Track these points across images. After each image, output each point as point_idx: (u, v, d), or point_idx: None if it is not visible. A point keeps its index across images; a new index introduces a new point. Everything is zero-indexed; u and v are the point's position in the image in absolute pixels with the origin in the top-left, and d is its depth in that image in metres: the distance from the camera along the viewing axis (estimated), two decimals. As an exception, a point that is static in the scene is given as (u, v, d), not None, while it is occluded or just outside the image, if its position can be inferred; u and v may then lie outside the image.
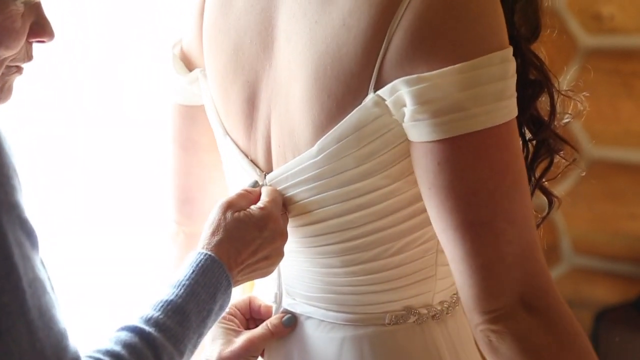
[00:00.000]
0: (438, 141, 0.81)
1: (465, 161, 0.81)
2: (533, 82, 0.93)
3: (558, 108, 0.98)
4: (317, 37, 0.86)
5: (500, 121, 0.81)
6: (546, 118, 0.96)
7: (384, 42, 0.82)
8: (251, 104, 0.95)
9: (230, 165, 1.02)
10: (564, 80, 2.54)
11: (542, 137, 0.96)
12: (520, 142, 0.86)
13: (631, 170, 2.58)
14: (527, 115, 0.94)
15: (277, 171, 0.94)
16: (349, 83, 0.84)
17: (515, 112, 0.84)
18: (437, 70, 0.80)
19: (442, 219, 0.83)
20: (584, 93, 1.05)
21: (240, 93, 0.95)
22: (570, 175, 2.59)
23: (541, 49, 0.98)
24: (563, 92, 0.99)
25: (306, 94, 0.88)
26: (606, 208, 2.60)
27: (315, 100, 0.87)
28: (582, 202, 2.58)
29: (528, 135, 0.97)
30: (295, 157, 0.91)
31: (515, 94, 0.84)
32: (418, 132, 0.82)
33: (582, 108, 1.03)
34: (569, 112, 1.02)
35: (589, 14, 2.59)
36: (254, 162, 0.97)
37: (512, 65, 0.83)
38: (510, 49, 0.83)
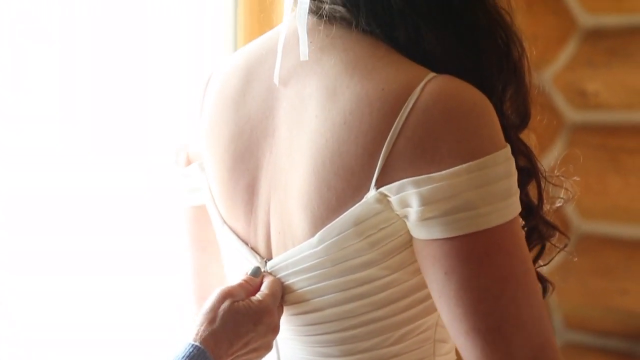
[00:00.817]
0: (445, 240, 0.82)
1: (471, 268, 0.82)
2: (522, 169, 0.95)
3: (551, 191, 0.99)
4: (318, 131, 0.87)
5: (509, 218, 0.83)
6: (535, 204, 0.97)
7: (386, 145, 0.84)
8: (251, 190, 0.96)
9: (229, 253, 1.02)
10: (552, 155, 2.55)
11: (532, 223, 0.97)
12: (523, 239, 0.87)
13: (621, 245, 2.58)
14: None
15: (277, 259, 0.94)
16: (348, 179, 0.86)
17: (519, 208, 0.85)
18: (446, 170, 0.82)
19: (453, 325, 0.84)
20: (575, 178, 1.06)
21: (239, 180, 0.96)
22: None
23: (530, 134, 0.99)
24: (551, 182, 1.01)
25: (305, 185, 0.89)
26: (597, 283, 2.59)
27: (315, 192, 0.88)
28: (573, 277, 2.57)
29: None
30: (295, 246, 0.91)
31: (518, 190, 0.86)
32: (428, 230, 0.83)
33: (571, 194, 1.05)
34: (561, 195, 1.03)
35: (574, 91, 2.63)
36: (254, 249, 0.97)
37: (513, 162, 0.85)
38: (509, 147, 0.85)
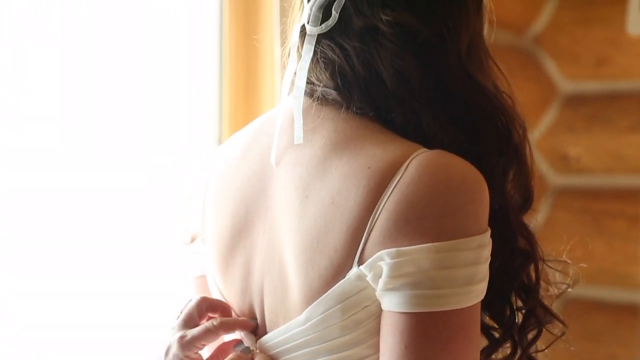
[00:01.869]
0: (406, 314, 0.82)
1: (432, 348, 0.82)
2: (522, 251, 0.95)
3: (558, 276, 1.00)
4: (307, 211, 0.88)
5: (468, 304, 0.83)
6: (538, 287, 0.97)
7: (369, 221, 0.84)
8: (247, 268, 0.96)
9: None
10: (536, 218, 2.55)
11: (530, 306, 0.97)
12: (479, 327, 0.86)
13: (606, 310, 2.58)
14: (517, 284, 0.95)
15: (269, 336, 0.94)
16: (332, 257, 0.86)
17: (481, 296, 0.85)
18: (416, 246, 0.81)
19: None
20: (582, 264, 1.06)
21: (237, 258, 0.97)
22: (546, 315, 2.57)
23: (534, 215, 0.99)
24: (555, 267, 1.01)
25: (294, 265, 0.89)
26: (584, 348, 2.57)
27: (301, 272, 0.88)
28: (560, 342, 2.55)
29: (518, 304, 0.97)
30: (286, 323, 0.91)
31: (486, 278, 0.85)
32: (389, 301, 0.83)
33: (576, 279, 1.05)
34: (567, 281, 1.03)
35: (556, 155, 2.66)
36: None
37: (488, 250, 0.84)
38: (488, 233, 0.85)
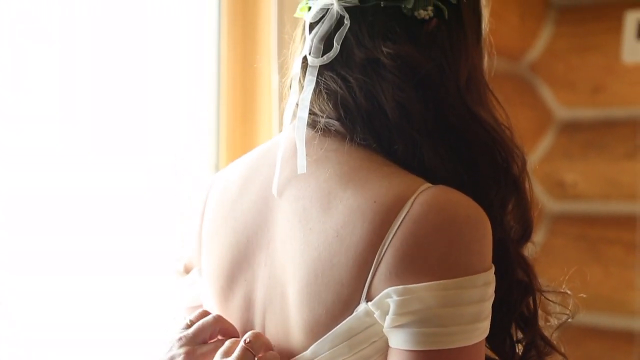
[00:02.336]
0: (413, 352, 0.82)
1: None
2: (520, 283, 0.95)
3: (557, 307, 1.00)
4: (311, 243, 0.87)
5: (474, 342, 0.83)
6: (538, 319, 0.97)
7: (376, 257, 0.83)
8: (248, 301, 0.96)
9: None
10: (533, 246, 2.54)
11: (530, 337, 0.97)
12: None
13: (603, 336, 2.57)
14: (517, 315, 0.95)
15: None
16: (339, 292, 0.85)
17: (486, 332, 0.85)
18: (423, 284, 0.81)
19: None
20: (582, 294, 1.06)
21: (237, 291, 0.97)
22: (543, 341, 2.57)
23: (531, 246, 0.99)
24: (549, 298, 1.00)
25: (298, 298, 0.88)
26: (581, 374, 2.57)
27: (306, 306, 0.87)
28: (557, 368, 2.55)
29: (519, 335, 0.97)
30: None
31: (490, 315, 0.85)
32: (396, 338, 0.83)
33: (570, 313, 1.04)
34: (567, 312, 1.03)
35: (553, 181, 2.67)
36: None
37: (492, 287, 0.84)
38: (492, 270, 0.84)
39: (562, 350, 1.00)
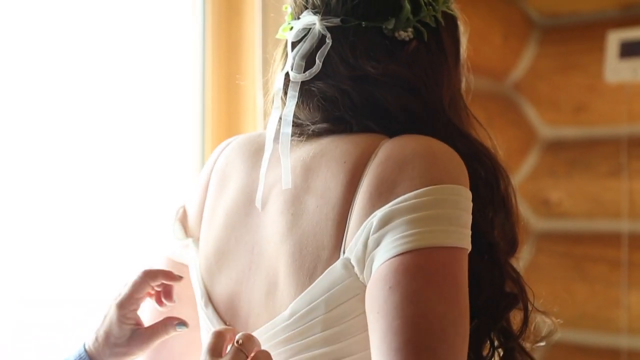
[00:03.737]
0: (388, 261, 0.82)
1: (417, 282, 0.81)
2: (508, 294, 0.96)
3: (541, 325, 1.01)
4: (295, 227, 0.90)
5: (459, 244, 0.83)
6: (516, 329, 0.98)
7: (350, 210, 0.87)
8: (234, 281, 0.98)
9: (208, 328, 1.02)
10: (519, 263, 2.54)
11: (509, 347, 0.98)
12: (466, 279, 0.86)
13: (589, 353, 2.58)
14: (499, 326, 0.96)
15: (255, 333, 0.94)
16: (320, 255, 0.88)
17: (468, 244, 0.85)
18: (400, 197, 0.84)
19: (386, 341, 0.80)
20: (559, 320, 1.07)
21: (224, 272, 0.99)
22: (530, 359, 2.57)
23: (517, 262, 1.00)
24: (539, 309, 1.01)
25: (285, 274, 0.91)
26: (568, 392, 2.57)
27: (292, 278, 0.90)
28: (544, 386, 2.55)
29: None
30: (271, 320, 0.92)
31: (469, 227, 0.86)
32: (382, 252, 0.83)
33: (552, 328, 1.05)
34: (543, 335, 1.04)
35: (538, 200, 2.69)
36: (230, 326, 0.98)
37: (468, 202, 0.86)
38: (467, 188, 0.87)
39: None
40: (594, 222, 2.62)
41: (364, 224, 0.85)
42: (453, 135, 0.95)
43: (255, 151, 1.02)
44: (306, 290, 0.88)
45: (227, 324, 0.98)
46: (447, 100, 0.97)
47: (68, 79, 1.55)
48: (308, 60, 0.95)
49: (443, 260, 0.82)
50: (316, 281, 0.87)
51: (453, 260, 0.83)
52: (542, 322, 1.04)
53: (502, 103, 2.67)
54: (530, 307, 0.98)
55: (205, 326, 1.02)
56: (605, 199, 2.59)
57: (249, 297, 0.96)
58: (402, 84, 0.93)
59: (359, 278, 0.86)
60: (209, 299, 1.01)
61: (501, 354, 0.98)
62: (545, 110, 2.70)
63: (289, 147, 0.93)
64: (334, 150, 0.91)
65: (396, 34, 0.95)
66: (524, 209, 2.68)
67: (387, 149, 0.87)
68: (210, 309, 1.00)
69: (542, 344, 1.04)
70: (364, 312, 0.86)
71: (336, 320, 0.87)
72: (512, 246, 0.99)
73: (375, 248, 0.84)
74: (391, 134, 0.91)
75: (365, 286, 0.86)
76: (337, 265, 0.86)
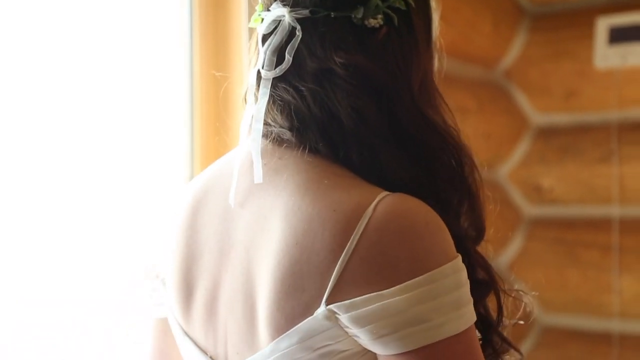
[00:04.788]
0: (406, 353, 0.82)
1: None
2: (480, 282, 0.97)
3: (525, 305, 1.02)
4: (272, 251, 0.88)
5: (462, 328, 0.84)
6: (494, 318, 0.99)
7: (338, 265, 0.84)
8: (209, 308, 0.97)
9: None
10: (511, 249, 2.58)
11: (488, 337, 0.98)
12: (479, 350, 0.87)
13: (583, 338, 2.60)
14: (476, 315, 0.97)
15: None
16: (299, 297, 0.86)
17: (473, 318, 0.85)
18: (396, 287, 0.82)
19: None
20: (534, 293, 1.07)
21: (199, 298, 0.98)
22: (524, 344, 2.59)
23: (488, 246, 1.02)
24: (510, 294, 1.02)
25: (258, 305, 0.90)
26: (561, 376, 2.59)
27: (268, 313, 0.88)
28: (537, 371, 2.57)
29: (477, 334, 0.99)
30: (252, 356, 0.92)
31: (471, 300, 0.86)
32: (384, 347, 0.84)
33: (530, 309, 1.06)
34: (518, 314, 1.05)
35: (530, 186, 2.70)
36: (213, 359, 0.98)
37: (464, 273, 0.86)
38: (459, 258, 0.86)
39: (517, 347, 1.01)
40: (586, 208, 2.63)
41: (364, 298, 0.83)
42: (420, 125, 0.94)
43: (215, 171, 1.01)
44: (286, 333, 0.87)
45: (209, 355, 0.98)
46: (417, 84, 0.96)
47: (52, 76, 1.54)
48: (279, 55, 0.94)
49: (454, 349, 0.83)
50: (296, 327, 0.86)
51: (463, 343, 0.84)
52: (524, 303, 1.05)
53: (492, 90, 2.68)
54: (503, 297, 0.99)
55: (186, 354, 1.02)
56: (596, 184, 2.60)
57: (224, 323, 0.96)
58: (366, 78, 0.92)
59: (342, 327, 0.85)
60: (185, 331, 1.01)
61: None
62: (536, 97, 2.71)
63: (259, 143, 0.92)
64: (321, 190, 0.88)
65: (366, 22, 0.93)
66: (516, 196, 2.70)
67: (385, 215, 0.85)
68: (187, 339, 1.00)
69: (521, 322, 1.05)
70: (348, 350, 0.86)
71: (320, 359, 0.87)
72: (479, 233, 0.99)
73: (384, 335, 0.83)
74: (344, 158, 0.91)
75: (348, 334, 0.86)
76: (319, 315, 0.85)
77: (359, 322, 0.83)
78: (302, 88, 0.92)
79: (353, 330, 0.84)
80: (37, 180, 1.51)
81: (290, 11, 0.94)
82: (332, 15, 0.93)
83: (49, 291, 1.51)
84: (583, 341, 2.59)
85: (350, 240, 0.84)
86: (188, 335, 1.00)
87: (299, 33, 0.93)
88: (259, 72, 0.95)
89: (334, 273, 0.84)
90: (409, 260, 0.83)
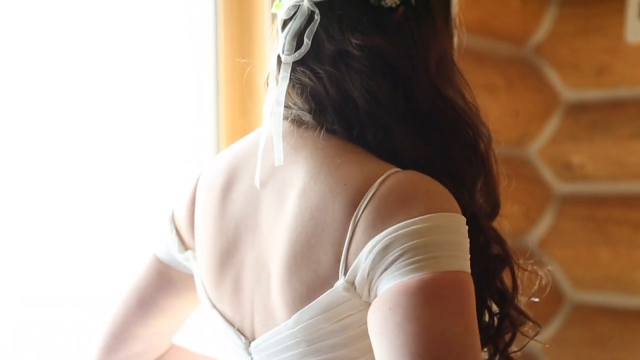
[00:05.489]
0: (395, 286, 0.84)
1: (416, 301, 0.82)
2: (495, 256, 0.98)
3: (526, 282, 1.02)
4: (291, 226, 0.92)
5: (459, 267, 0.85)
6: (510, 291, 1.00)
7: (347, 235, 0.88)
8: (236, 283, 1.00)
9: (218, 333, 1.06)
10: (542, 227, 2.57)
11: (505, 311, 1.00)
12: (475, 308, 0.87)
13: (614, 315, 2.59)
14: (493, 289, 0.99)
15: (259, 339, 0.98)
16: (317, 270, 0.89)
17: (468, 267, 0.87)
18: (402, 222, 0.85)
19: (392, 356, 0.82)
20: (548, 267, 1.08)
21: (227, 273, 1.01)
22: (554, 321, 2.59)
23: (504, 221, 1.03)
24: (525, 267, 1.03)
25: (280, 278, 0.93)
26: (592, 353, 2.59)
27: (288, 285, 0.92)
28: (568, 348, 2.57)
29: (494, 308, 1.01)
30: (276, 327, 0.95)
31: (468, 253, 0.87)
32: (386, 281, 0.85)
33: (545, 282, 1.07)
34: (534, 288, 1.06)
35: (560, 164, 2.69)
36: (239, 331, 1.02)
37: (466, 229, 0.88)
38: (463, 218, 0.88)
39: (534, 319, 1.02)
40: (617, 185, 2.62)
41: (367, 250, 0.86)
42: (436, 103, 0.95)
43: (242, 150, 1.04)
44: (308, 306, 0.90)
45: (236, 327, 1.01)
46: (435, 62, 0.97)
47: (85, 63, 1.56)
48: (299, 39, 0.96)
49: (446, 281, 0.84)
50: (317, 300, 0.90)
51: (456, 281, 0.84)
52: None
53: (521, 67, 2.66)
54: (517, 271, 1.00)
55: (213, 325, 1.06)
56: (628, 161, 2.58)
57: (251, 298, 0.99)
58: (381, 59, 0.94)
59: (361, 298, 0.88)
60: (213, 304, 1.04)
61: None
62: (567, 73, 2.69)
63: (280, 126, 0.95)
64: (334, 165, 0.92)
65: (382, 3, 0.94)
66: (547, 173, 2.69)
67: (391, 184, 0.88)
68: (215, 311, 1.04)
69: (536, 299, 1.05)
70: (366, 323, 0.88)
71: (341, 330, 0.90)
72: (494, 207, 1.01)
73: (380, 275, 0.85)
74: (360, 138, 0.93)
75: (369, 304, 0.88)
76: (339, 288, 0.88)
77: (364, 281, 0.86)
78: (320, 71, 0.95)
79: (362, 293, 0.87)
80: (53, 178, 1.52)
81: None
82: None
83: (48, 291, 1.51)
84: (614, 318, 2.58)
85: (356, 211, 0.88)
86: (216, 308, 1.04)
87: (317, 17, 0.95)
88: (279, 56, 0.97)
89: (345, 244, 0.88)
90: (408, 208, 0.86)
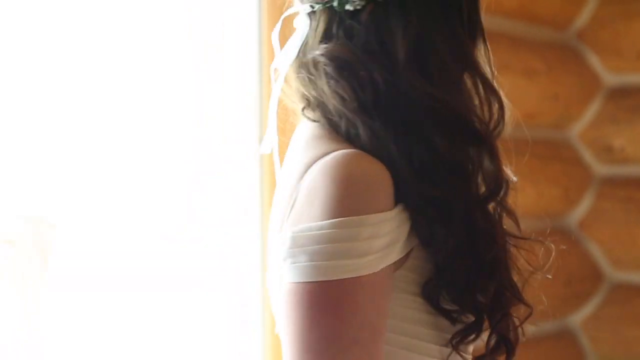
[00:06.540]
0: (290, 284, 0.91)
1: (299, 315, 0.89)
2: (485, 235, 0.96)
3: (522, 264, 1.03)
4: (276, 205, 1.01)
5: (333, 277, 0.88)
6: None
7: (287, 214, 0.94)
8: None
9: None
10: (582, 208, 2.60)
11: (497, 287, 0.97)
12: (360, 306, 0.90)
13: (653, 295, 2.64)
14: (484, 266, 0.96)
15: None
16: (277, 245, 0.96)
17: (357, 272, 0.88)
18: (311, 224, 0.90)
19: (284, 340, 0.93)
20: (547, 242, 1.07)
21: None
22: (593, 300, 2.64)
23: (515, 194, 1.02)
24: (524, 247, 1.02)
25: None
26: (630, 332, 2.64)
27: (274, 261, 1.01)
28: (607, 326, 2.62)
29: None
30: None
31: (367, 256, 0.88)
32: (285, 274, 0.92)
33: (541, 263, 1.06)
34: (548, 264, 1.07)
35: (600, 146, 2.73)
36: None
37: (368, 229, 0.88)
38: (385, 213, 0.89)
39: (526, 300, 1.00)
40: (657, 167, 2.65)
41: (284, 234, 0.93)
42: (404, 96, 0.94)
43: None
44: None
45: None
46: (404, 53, 0.94)
47: (137, 59, 1.59)
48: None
49: (320, 293, 0.88)
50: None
51: (305, 292, 0.89)
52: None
53: (561, 52, 2.70)
54: (512, 247, 1.00)
55: None
56: (667, 144, 2.62)
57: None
58: (343, 63, 0.96)
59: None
60: None
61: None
62: (608, 58, 2.72)
63: (275, 122, 1.05)
64: (303, 148, 0.98)
65: (347, 7, 0.95)
66: (587, 156, 2.73)
67: (327, 161, 0.91)
68: None
69: (549, 276, 1.05)
70: None
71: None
72: (497, 186, 0.98)
73: (287, 263, 0.92)
74: (336, 127, 0.97)
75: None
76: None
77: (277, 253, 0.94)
78: (305, 76, 1.00)
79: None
80: (54, 178, 1.52)
81: (302, 4, 1.01)
82: (321, 8, 0.97)
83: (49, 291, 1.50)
84: (653, 298, 2.62)
85: (297, 189, 0.93)
86: None
87: (305, 28, 1.00)
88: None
89: (284, 218, 0.95)
90: (320, 206, 0.90)
